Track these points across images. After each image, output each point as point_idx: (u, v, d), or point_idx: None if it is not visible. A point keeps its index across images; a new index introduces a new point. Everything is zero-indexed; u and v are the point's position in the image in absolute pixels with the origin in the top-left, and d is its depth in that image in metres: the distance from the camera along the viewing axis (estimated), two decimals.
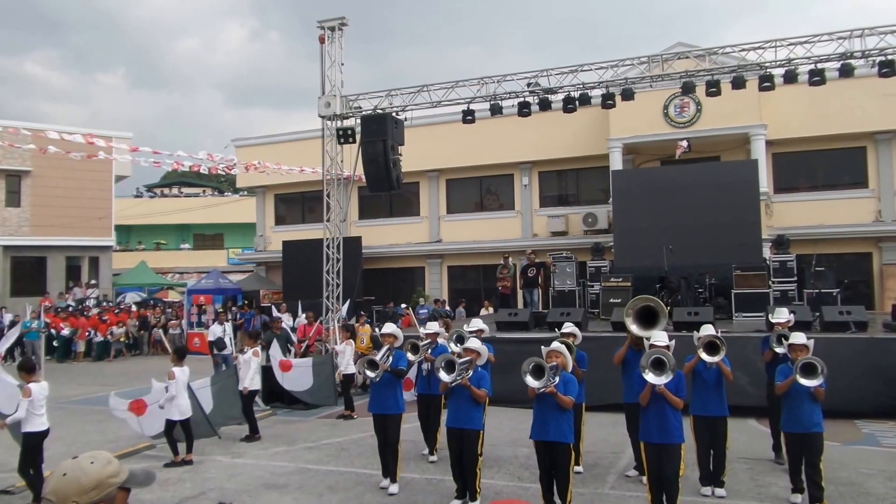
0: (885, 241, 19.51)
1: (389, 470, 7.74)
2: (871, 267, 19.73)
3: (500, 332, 13.32)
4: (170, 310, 26.92)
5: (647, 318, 7.29)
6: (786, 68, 13.77)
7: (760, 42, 14.07)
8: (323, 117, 16.20)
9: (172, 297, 33.43)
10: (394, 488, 7.62)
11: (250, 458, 9.34)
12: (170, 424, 9.01)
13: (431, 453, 8.98)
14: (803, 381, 6.40)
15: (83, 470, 2.14)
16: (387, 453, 7.78)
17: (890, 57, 13.08)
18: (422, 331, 9.22)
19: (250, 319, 22.73)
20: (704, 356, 7.09)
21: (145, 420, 9.30)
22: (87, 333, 22.85)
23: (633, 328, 7.27)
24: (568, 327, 8.20)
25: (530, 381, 6.14)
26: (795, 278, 15.21)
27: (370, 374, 7.59)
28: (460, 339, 8.50)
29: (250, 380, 10.61)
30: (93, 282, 29.92)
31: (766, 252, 17.02)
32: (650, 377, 6.06)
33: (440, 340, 9.06)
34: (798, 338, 6.98)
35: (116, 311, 25.26)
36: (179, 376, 9.07)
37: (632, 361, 7.38)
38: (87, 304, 26.35)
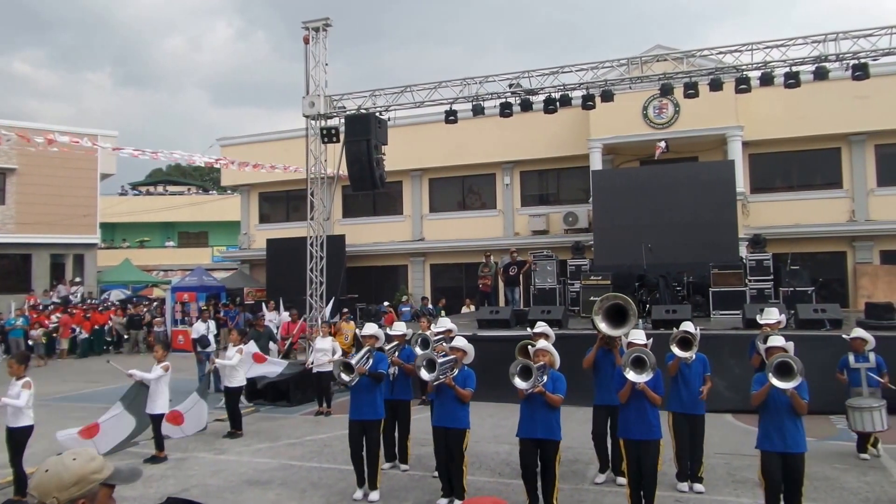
0: (859, 240, 19.92)
1: (369, 477, 7.43)
2: (845, 266, 20.13)
3: (482, 329, 13.50)
4: (154, 306, 26.86)
5: (617, 317, 7.23)
6: (762, 71, 14.06)
7: (737, 45, 14.36)
8: (307, 117, 16.31)
9: (157, 294, 33.34)
10: (374, 495, 7.36)
11: (233, 455, 9.43)
12: (155, 419, 9.13)
13: (403, 461, 8.56)
14: (777, 383, 5.66)
15: (65, 466, 2.16)
16: (367, 461, 7.44)
17: (863, 60, 13.40)
18: (388, 332, 8.70)
19: (234, 317, 22.78)
20: (677, 351, 7.23)
21: (100, 439, 9.07)
22: (71, 331, 22.78)
23: (602, 326, 7.19)
24: (540, 326, 8.12)
25: (518, 382, 6.18)
26: (771, 277, 15.50)
27: (345, 378, 7.20)
28: (425, 343, 8.18)
29: (239, 377, 10.75)
30: (77, 279, 29.81)
31: (743, 251, 17.34)
32: (631, 375, 6.14)
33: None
34: (776, 340, 6.46)
35: (101, 308, 25.21)
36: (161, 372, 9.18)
37: (602, 363, 7.48)
38: (71, 301, 26.28)
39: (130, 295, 32.03)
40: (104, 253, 37.31)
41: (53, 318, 22.85)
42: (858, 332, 8.79)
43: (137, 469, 2.40)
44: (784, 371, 5.68)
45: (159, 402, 9.15)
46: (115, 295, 30.68)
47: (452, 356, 7.00)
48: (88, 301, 26.58)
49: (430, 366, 6.78)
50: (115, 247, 43.35)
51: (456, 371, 6.84)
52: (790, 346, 6.32)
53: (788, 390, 5.68)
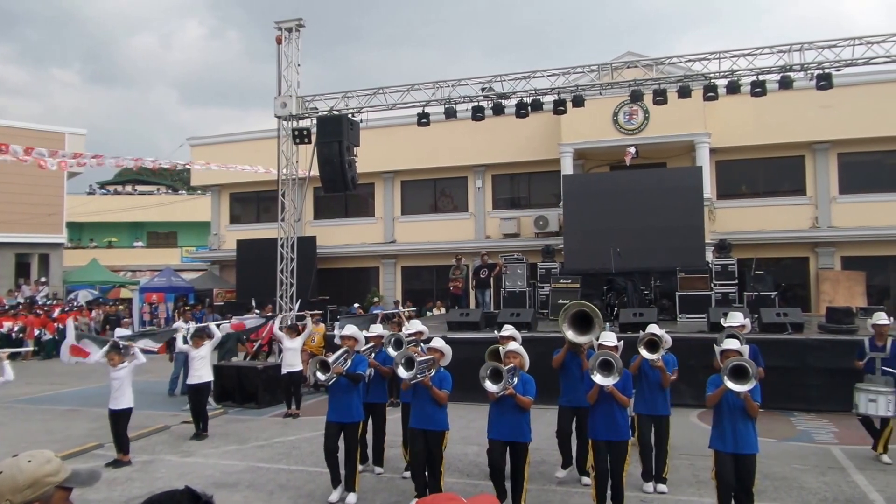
0: (821, 246, 20.40)
1: (347, 480, 7.38)
2: (807, 271, 20.58)
3: (452, 331, 13.55)
4: (121, 308, 26.48)
5: (582, 323, 7.28)
6: (729, 79, 14.34)
7: (706, 53, 14.62)
8: (279, 117, 16.24)
9: (125, 295, 32.83)
10: (351, 498, 7.28)
11: (200, 457, 9.33)
12: (119, 414, 8.96)
13: (378, 464, 8.48)
14: (732, 386, 5.70)
15: (19, 468, 2.13)
16: (346, 463, 7.39)
17: (827, 70, 13.73)
18: (364, 333, 8.56)
19: (201, 318, 22.52)
20: (645, 353, 7.33)
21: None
22: (35, 332, 22.33)
23: (569, 334, 7.23)
24: (507, 330, 8.13)
25: (489, 386, 6.19)
26: (736, 281, 15.84)
27: (321, 377, 7.14)
28: (398, 343, 8.05)
29: (206, 374, 10.65)
30: (42, 279, 29.23)
31: (709, 256, 17.65)
32: (598, 378, 6.19)
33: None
34: (730, 343, 6.58)
35: (66, 308, 24.76)
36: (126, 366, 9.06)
37: (570, 364, 7.57)
38: (37, 301, 25.76)
39: (97, 296, 31.49)
40: (71, 253, 36.62)
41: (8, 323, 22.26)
42: (882, 318, 8.88)
43: (96, 472, 2.36)
44: (739, 374, 5.74)
45: (123, 399, 8.95)
46: (83, 296, 30.15)
47: (430, 356, 6.98)
48: (53, 301, 26.07)
49: (409, 364, 6.73)
50: (82, 247, 42.60)
51: (433, 371, 6.80)
52: (745, 349, 6.40)
53: (742, 393, 5.76)
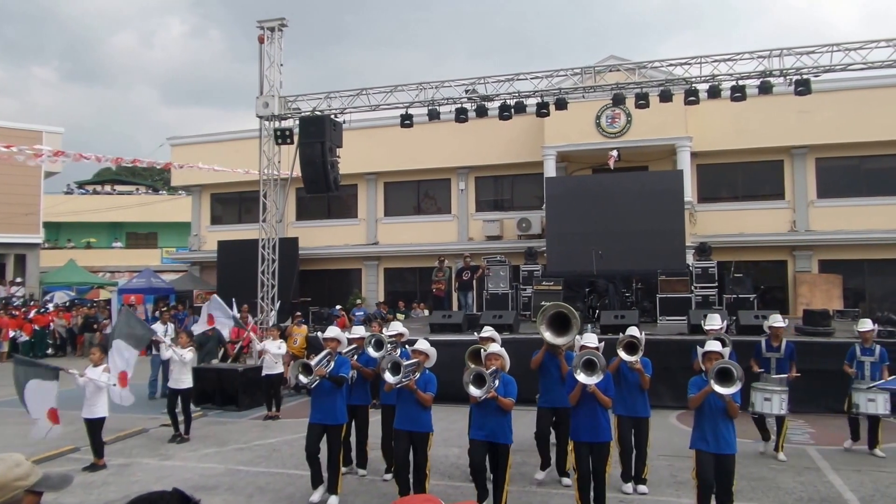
0: (799, 249, 20.64)
1: (330, 482, 7.35)
2: (786, 274, 20.83)
3: (434, 333, 13.54)
4: (97, 310, 26.14)
5: (560, 325, 7.32)
6: (710, 84, 14.46)
7: (687, 58, 14.74)
8: (261, 117, 16.15)
9: (103, 296, 32.46)
10: (334, 500, 7.25)
11: (179, 461, 9.25)
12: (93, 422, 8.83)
13: (361, 466, 8.48)
14: (719, 389, 5.77)
15: None
16: (329, 465, 7.37)
17: (805, 76, 13.90)
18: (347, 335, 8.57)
19: (183, 319, 22.30)
20: (623, 355, 7.38)
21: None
22: (9, 334, 22.01)
23: (547, 335, 7.27)
24: (487, 331, 8.15)
25: (473, 390, 6.20)
26: (716, 284, 15.97)
27: (303, 379, 7.13)
28: (379, 345, 8.03)
29: (187, 379, 10.56)
30: (18, 280, 28.81)
31: (690, 258, 17.80)
32: (582, 377, 6.22)
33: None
34: (712, 345, 6.62)
35: (42, 309, 24.41)
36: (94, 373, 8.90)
37: (548, 365, 7.61)
38: (13, 302, 25.40)
39: (74, 297, 31.10)
40: (48, 253, 36.19)
41: None
42: (867, 325, 9.29)
43: (68, 476, 2.35)
44: (725, 377, 5.82)
45: (98, 407, 8.81)
46: (59, 296, 29.77)
47: (415, 359, 6.96)
48: (31, 302, 25.71)
49: (395, 368, 6.72)
50: (59, 247, 42.10)
51: (418, 374, 6.79)
52: (726, 351, 6.47)
53: (726, 396, 5.84)
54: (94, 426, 8.81)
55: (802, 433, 10.31)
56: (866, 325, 9.25)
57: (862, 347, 9.17)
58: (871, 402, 8.73)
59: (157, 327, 15.16)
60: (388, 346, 8.02)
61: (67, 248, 42.00)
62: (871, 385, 8.79)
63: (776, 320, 9.30)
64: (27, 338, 22.25)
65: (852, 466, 8.48)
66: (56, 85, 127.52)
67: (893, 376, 8.89)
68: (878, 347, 9.13)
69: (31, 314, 23.12)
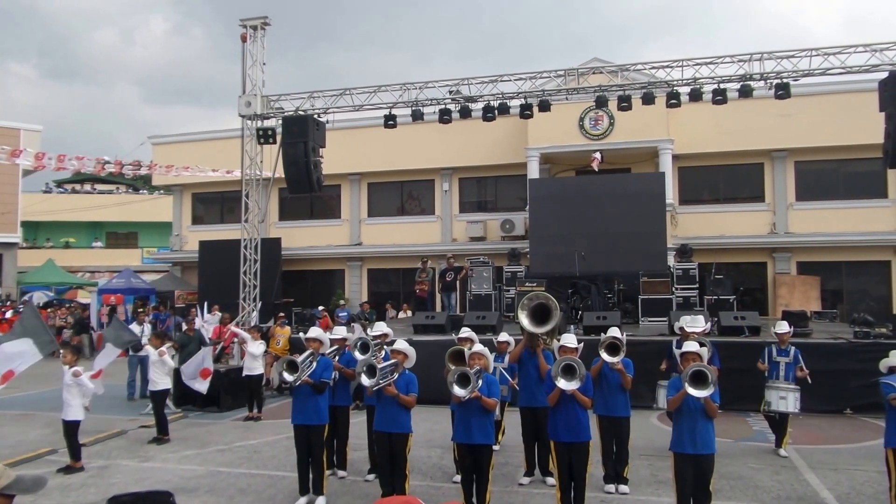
0: (779, 251, 20.88)
1: (315, 483, 7.30)
2: (765, 275, 21.05)
3: (417, 334, 13.54)
4: (77, 311, 25.84)
5: (541, 317, 7.31)
6: (691, 87, 14.59)
7: (669, 61, 14.88)
8: (243, 117, 16.07)
9: (82, 296, 32.07)
10: (321, 501, 7.23)
11: (159, 462, 9.16)
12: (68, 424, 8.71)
13: (341, 467, 8.40)
14: (693, 392, 5.78)
15: None
16: (312, 467, 7.31)
17: (785, 80, 14.08)
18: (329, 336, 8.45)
19: (165, 320, 22.11)
20: (605, 356, 7.42)
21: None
22: None
23: (525, 322, 7.24)
24: (465, 332, 8.10)
25: (457, 391, 6.17)
26: (697, 285, 16.11)
27: (288, 377, 7.03)
28: (364, 347, 7.92)
29: (164, 381, 10.47)
30: None
31: (671, 260, 17.94)
32: (562, 383, 6.24)
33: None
34: (690, 345, 6.59)
35: (18, 309, 24.05)
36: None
37: (526, 365, 7.65)
38: None
39: (53, 297, 30.71)
40: (26, 253, 35.71)
41: None
42: (783, 327, 9.69)
43: (41, 478, 2.32)
44: (698, 380, 5.84)
45: (73, 409, 8.67)
46: (38, 297, 29.38)
47: (393, 360, 6.88)
48: (8, 302, 25.35)
49: (371, 371, 6.64)
50: (37, 246, 41.55)
51: (397, 375, 6.72)
52: (704, 351, 6.47)
53: (702, 398, 5.86)
54: (70, 428, 8.70)
55: None
56: (783, 327, 9.66)
57: (778, 348, 9.55)
58: (783, 399, 9.07)
59: (134, 327, 15.04)
60: (374, 347, 7.98)
61: (46, 247, 41.49)
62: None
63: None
64: None
65: (829, 465, 8.60)
66: (35, 82, 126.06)
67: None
68: (792, 349, 9.49)
69: (8, 314, 22.78)
